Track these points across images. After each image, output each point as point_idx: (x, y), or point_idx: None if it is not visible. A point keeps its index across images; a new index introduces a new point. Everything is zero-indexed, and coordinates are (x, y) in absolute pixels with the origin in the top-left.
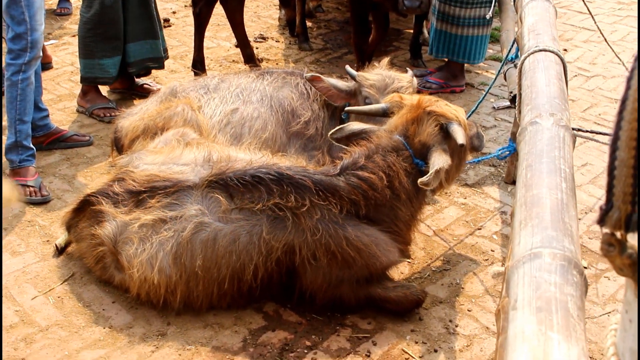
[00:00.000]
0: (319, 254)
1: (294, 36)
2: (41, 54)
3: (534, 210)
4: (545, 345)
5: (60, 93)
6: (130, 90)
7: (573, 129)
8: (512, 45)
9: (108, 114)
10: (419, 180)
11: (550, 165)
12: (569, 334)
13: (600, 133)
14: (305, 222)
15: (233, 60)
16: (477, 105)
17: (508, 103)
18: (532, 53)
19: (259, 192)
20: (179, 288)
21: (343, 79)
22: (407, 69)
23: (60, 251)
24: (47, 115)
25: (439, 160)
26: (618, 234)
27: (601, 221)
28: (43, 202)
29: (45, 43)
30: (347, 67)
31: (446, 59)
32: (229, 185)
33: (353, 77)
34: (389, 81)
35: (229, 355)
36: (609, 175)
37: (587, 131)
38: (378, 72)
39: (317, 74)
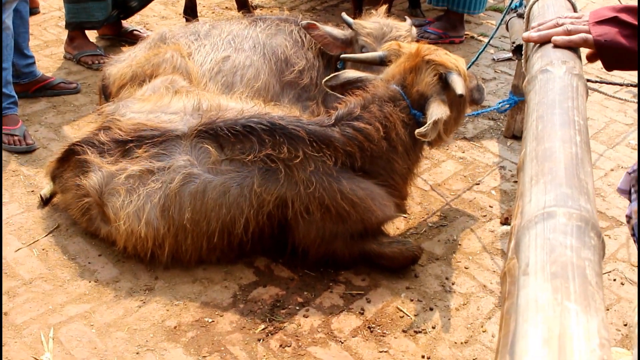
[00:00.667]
0: (312, 207)
1: None
2: None
3: (547, 165)
4: (562, 317)
5: (47, 39)
6: (119, 37)
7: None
8: None
9: (96, 61)
10: (417, 131)
11: (564, 117)
12: (587, 303)
13: (611, 83)
14: (298, 174)
15: (226, 7)
16: (477, 56)
17: (508, 55)
18: None
19: (251, 143)
20: (167, 241)
21: (339, 27)
22: (406, 17)
23: (45, 202)
24: (33, 62)
25: (437, 110)
26: None
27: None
28: (28, 151)
29: None
30: (344, 15)
31: (445, 8)
32: (219, 135)
33: (349, 25)
34: (386, 30)
35: (218, 311)
36: None
37: (597, 81)
38: (375, 21)
39: (313, 22)
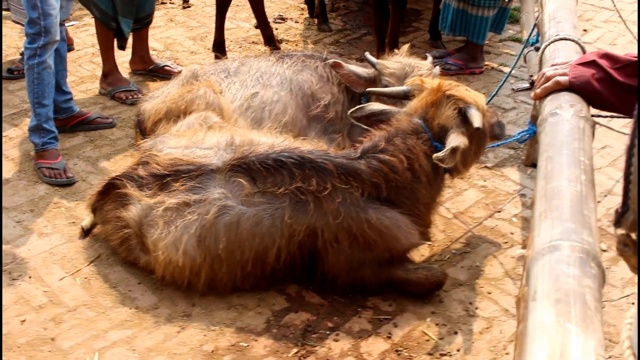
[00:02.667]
0: (341, 237)
1: (313, 17)
2: (58, 37)
3: (554, 203)
4: (563, 337)
5: (82, 75)
6: (151, 72)
7: (592, 115)
8: (533, 30)
9: (130, 96)
10: (434, 155)
11: (570, 158)
12: (586, 325)
13: (618, 116)
14: (327, 205)
15: (253, 42)
16: (498, 89)
17: (527, 85)
18: (552, 42)
19: (281, 176)
20: (203, 270)
21: (363, 64)
22: (427, 54)
23: (86, 233)
24: (71, 98)
25: (456, 139)
26: (633, 235)
27: (617, 223)
28: (68, 184)
29: (66, 25)
30: (367, 55)
31: (465, 38)
32: (252, 169)
33: (373, 65)
34: (408, 70)
35: (252, 335)
36: (625, 180)
37: (604, 116)
38: (398, 60)
39: (338, 61)
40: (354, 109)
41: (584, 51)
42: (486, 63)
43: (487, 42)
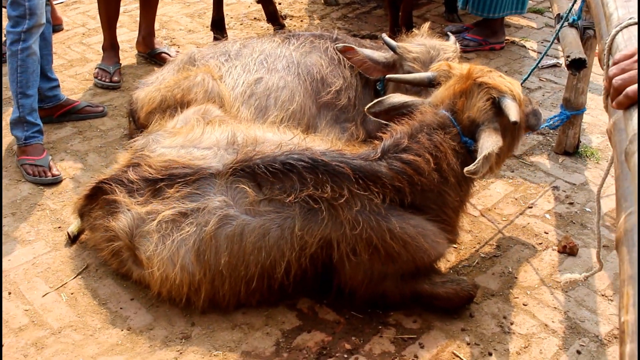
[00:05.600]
0: (360, 248)
1: None
2: (43, 20)
3: None
4: None
5: (72, 58)
6: (151, 57)
7: None
8: (573, 4)
9: (101, 78)
10: (465, 169)
11: None
12: None
13: None
14: (343, 214)
15: (255, 18)
16: (528, 76)
17: (554, 61)
18: (626, 27)
19: (291, 182)
20: (203, 287)
21: (377, 48)
22: (448, 33)
23: (72, 240)
24: (58, 86)
25: (489, 142)
26: None
27: None
28: (53, 182)
29: (54, 2)
30: (384, 36)
31: None
32: (257, 174)
33: (393, 49)
34: (434, 53)
35: None
36: None
37: None
38: (421, 42)
39: (350, 45)
40: (371, 103)
41: None
42: (506, 37)
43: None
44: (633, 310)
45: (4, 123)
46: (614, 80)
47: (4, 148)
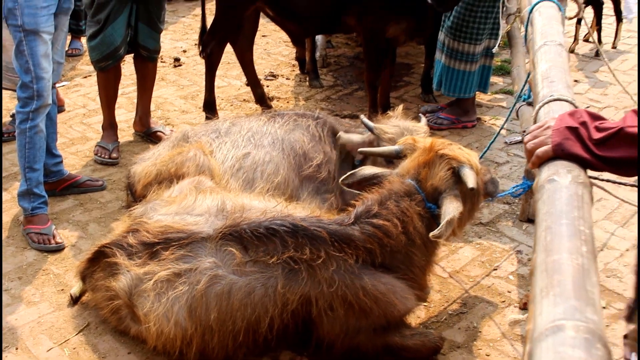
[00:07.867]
0: (336, 304)
1: (305, 73)
2: (50, 101)
3: (555, 278)
4: None
5: (73, 136)
6: (147, 135)
7: (589, 176)
8: (524, 86)
9: (100, 155)
10: (431, 234)
11: (571, 228)
12: None
13: (617, 183)
14: (321, 273)
15: (244, 100)
16: (490, 145)
17: (520, 138)
18: (546, 102)
19: (274, 245)
20: (195, 340)
21: (357, 126)
22: (420, 115)
23: (75, 300)
24: (61, 162)
25: (450, 208)
26: None
27: (629, 319)
28: (57, 249)
29: (57, 85)
30: (363, 118)
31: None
32: (243, 238)
33: (370, 130)
34: (407, 133)
35: None
36: (637, 275)
37: (603, 180)
38: (395, 124)
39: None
40: (344, 176)
41: None
42: (478, 116)
43: (477, 94)
44: None
45: (9, 196)
46: (527, 145)
47: (10, 218)
